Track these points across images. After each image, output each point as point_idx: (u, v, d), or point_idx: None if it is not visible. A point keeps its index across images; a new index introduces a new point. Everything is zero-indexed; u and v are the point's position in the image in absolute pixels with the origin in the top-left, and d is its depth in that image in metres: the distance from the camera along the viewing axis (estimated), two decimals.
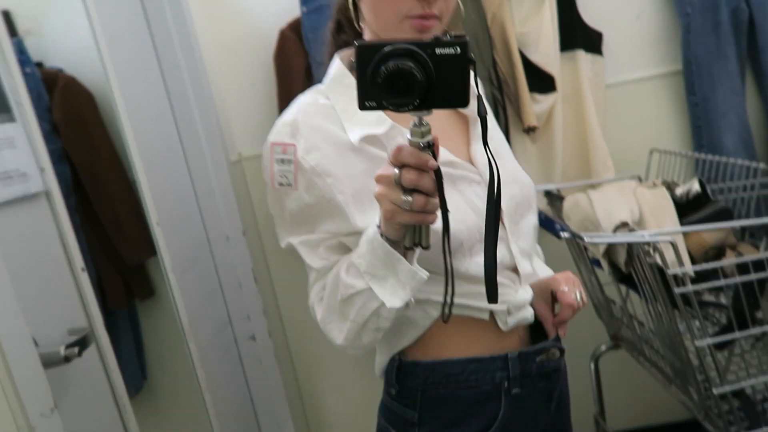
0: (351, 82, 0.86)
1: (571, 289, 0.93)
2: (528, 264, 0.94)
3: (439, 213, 0.71)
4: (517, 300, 0.91)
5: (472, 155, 0.92)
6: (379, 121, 0.85)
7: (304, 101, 0.91)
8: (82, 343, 1.00)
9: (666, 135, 1.96)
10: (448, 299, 0.75)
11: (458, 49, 0.63)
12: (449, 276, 0.74)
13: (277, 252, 2.17)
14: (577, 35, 1.85)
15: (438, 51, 0.63)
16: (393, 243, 0.74)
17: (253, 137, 2.06)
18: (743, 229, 1.32)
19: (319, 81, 1.87)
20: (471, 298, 0.88)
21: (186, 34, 1.76)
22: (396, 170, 0.67)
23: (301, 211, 0.87)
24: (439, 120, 0.88)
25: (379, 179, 0.70)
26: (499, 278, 0.81)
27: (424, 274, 0.76)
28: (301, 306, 2.17)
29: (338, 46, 0.98)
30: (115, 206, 1.98)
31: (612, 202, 1.31)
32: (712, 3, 1.80)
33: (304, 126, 0.86)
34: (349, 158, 0.85)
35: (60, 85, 1.91)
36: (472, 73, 0.68)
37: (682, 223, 1.30)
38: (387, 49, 0.62)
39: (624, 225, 1.23)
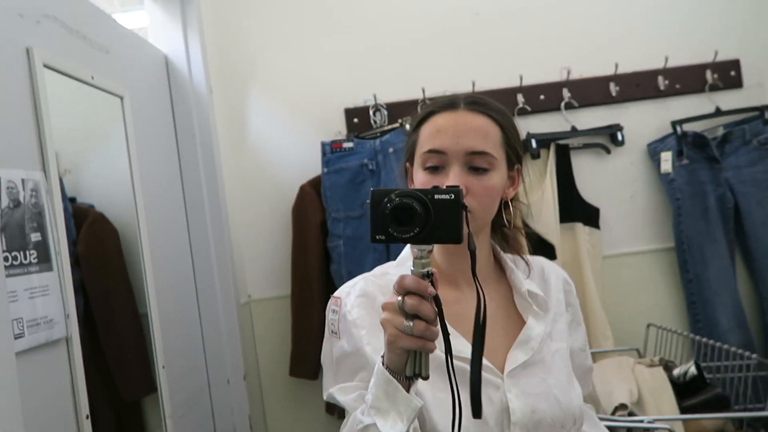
0: (408, 266, 0.95)
1: None
2: None
3: (438, 341, 0.76)
4: None
5: (507, 358, 0.93)
6: None
7: (373, 271, 1.02)
8: None
9: (663, 307, 2.03)
10: (456, 422, 0.78)
11: (452, 195, 0.75)
12: (456, 398, 0.77)
13: (275, 397, 2.16)
14: (576, 209, 2.00)
15: (436, 196, 0.74)
16: (394, 373, 0.78)
17: (264, 281, 2.14)
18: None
19: (334, 235, 1.97)
20: None
21: (214, 182, 1.90)
22: (399, 298, 0.74)
23: (342, 358, 0.94)
24: (495, 325, 0.93)
25: (385, 306, 0.76)
26: None
27: (418, 402, 0.79)
28: None
29: None
30: (121, 340, 2.00)
31: (611, 382, 1.34)
32: (700, 190, 1.96)
33: (360, 289, 0.95)
34: None
35: (89, 221, 2.02)
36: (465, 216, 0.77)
37: (680, 406, 1.32)
38: (395, 192, 0.74)
39: (623, 407, 1.25)
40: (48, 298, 1.12)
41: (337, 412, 2.05)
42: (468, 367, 0.87)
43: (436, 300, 0.75)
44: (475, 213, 0.90)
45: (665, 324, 1.80)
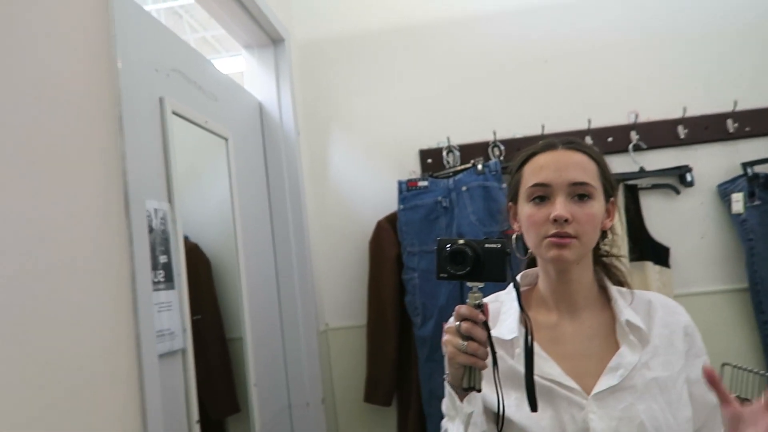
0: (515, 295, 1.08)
1: None
2: None
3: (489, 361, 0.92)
4: None
5: (598, 382, 0.99)
6: (511, 331, 1.02)
7: (489, 297, 1.12)
8: None
9: (737, 347, 2.01)
10: (501, 417, 0.95)
11: (500, 245, 0.92)
12: (500, 401, 0.94)
13: (349, 422, 2.25)
14: (646, 248, 2.04)
15: (486, 245, 0.93)
16: (453, 386, 0.96)
17: (341, 311, 2.27)
18: None
19: (409, 268, 2.08)
20: None
21: (299, 217, 2.07)
22: (457, 323, 0.91)
23: None
24: (590, 350, 1.02)
25: (446, 330, 0.93)
26: None
27: (468, 409, 0.95)
28: None
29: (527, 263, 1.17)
30: (210, 362, 2.16)
31: None
32: None
33: None
34: None
35: (186, 251, 2.23)
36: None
37: None
38: (454, 240, 0.93)
39: None
40: (171, 313, 1.28)
41: None
42: (553, 386, 0.98)
43: (486, 325, 0.91)
44: (580, 238, 0.99)
45: (740, 363, 1.80)
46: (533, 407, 0.92)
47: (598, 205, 1.01)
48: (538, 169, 1.03)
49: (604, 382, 0.99)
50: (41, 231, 0.94)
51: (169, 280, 1.30)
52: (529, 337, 0.94)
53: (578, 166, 1.02)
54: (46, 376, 0.93)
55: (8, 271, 0.89)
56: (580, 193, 1.00)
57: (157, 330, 1.22)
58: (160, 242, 1.28)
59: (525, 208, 1.04)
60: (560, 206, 0.98)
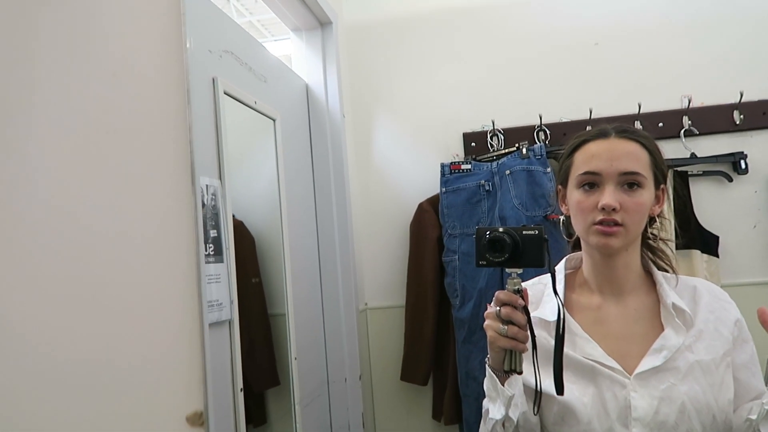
0: (561, 277, 1.13)
1: None
2: None
3: (529, 344, 0.95)
4: None
5: (641, 362, 1.01)
6: (553, 313, 1.03)
7: (532, 279, 1.17)
8: None
9: None
10: (538, 399, 0.98)
11: (537, 231, 0.94)
12: (538, 386, 0.97)
13: (385, 399, 2.30)
14: (694, 236, 1.99)
15: (524, 232, 0.95)
16: (495, 370, 0.99)
17: (381, 291, 2.30)
18: None
19: (450, 250, 2.09)
20: None
21: (343, 198, 2.10)
22: (497, 308, 0.94)
23: None
24: (635, 332, 1.05)
25: (487, 315, 0.96)
26: None
27: (510, 392, 0.98)
28: None
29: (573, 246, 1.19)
30: (253, 336, 2.23)
31: None
32: None
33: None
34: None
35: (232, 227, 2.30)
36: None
37: None
38: (492, 228, 0.96)
39: None
40: (220, 285, 1.34)
41: (443, 418, 2.15)
42: (596, 365, 1.01)
43: (525, 310, 0.94)
44: (627, 227, 1.01)
45: None
46: (560, 391, 0.96)
47: (647, 194, 1.03)
48: (589, 157, 1.05)
49: (647, 363, 1.01)
50: (119, 203, 1.02)
51: (218, 254, 1.35)
52: (561, 325, 0.97)
53: (630, 156, 1.03)
54: (118, 336, 1.01)
55: (88, 241, 0.96)
56: (629, 182, 1.02)
57: (208, 301, 1.27)
58: (210, 217, 1.33)
59: (574, 194, 1.06)
60: (609, 195, 1.00)
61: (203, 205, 1.29)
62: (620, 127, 1.08)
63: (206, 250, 1.29)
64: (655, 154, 1.05)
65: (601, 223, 1.01)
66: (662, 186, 1.08)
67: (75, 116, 1.05)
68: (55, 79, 1.06)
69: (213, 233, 1.34)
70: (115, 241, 1.02)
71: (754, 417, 0.95)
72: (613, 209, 1.00)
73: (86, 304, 1.02)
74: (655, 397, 0.98)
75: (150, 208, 1.04)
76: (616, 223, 1.00)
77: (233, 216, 2.49)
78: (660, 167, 1.06)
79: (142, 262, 1.03)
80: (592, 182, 1.04)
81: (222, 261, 1.36)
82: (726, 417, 1.00)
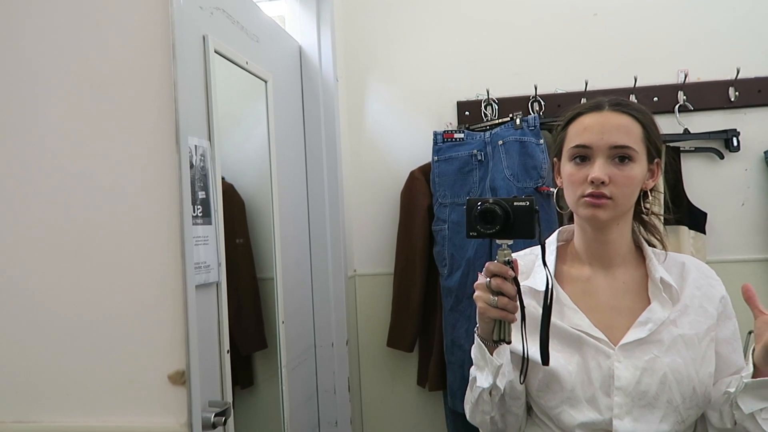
0: (553, 249, 1.14)
1: None
2: None
3: (518, 315, 0.96)
4: None
5: (627, 334, 1.03)
6: (543, 282, 1.04)
7: (524, 250, 1.19)
8: (225, 414, 1.19)
9: None
10: (524, 368, 1.00)
11: (528, 203, 0.94)
12: (525, 348, 0.98)
13: (371, 364, 2.33)
14: (683, 212, 2.00)
15: (515, 203, 0.95)
16: (483, 339, 1.00)
17: (370, 258, 2.31)
18: None
19: (440, 219, 2.09)
20: None
21: (334, 163, 2.08)
22: (487, 279, 0.94)
23: None
24: (622, 304, 1.07)
25: (477, 286, 0.96)
26: None
27: (498, 361, 1.00)
28: (383, 419, 2.27)
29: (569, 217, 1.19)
30: (241, 299, 2.24)
31: None
32: None
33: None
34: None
35: (222, 190, 2.28)
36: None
37: None
38: (483, 199, 0.96)
39: None
40: (208, 247, 1.33)
41: (427, 384, 2.18)
42: (582, 335, 1.03)
43: (516, 281, 0.94)
44: (616, 200, 1.02)
45: None
46: (545, 361, 0.98)
47: (638, 167, 1.03)
48: (581, 130, 1.05)
49: (632, 335, 1.03)
50: (101, 155, 1.02)
51: (206, 215, 1.34)
52: (549, 299, 0.98)
53: (621, 129, 1.03)
54: (100, 291, 1.01)
55: (71, 192, 0.96)
56: (620, 156, 1.02)
57: (195, 262, 1.27)
58: (199, 178, 1.32)
59: (567, 167, 1.07)
60: (598, 168, 1.01)
61: (191, 165, 1.27)
62: (615, 100, 1.07)
63: (194, 212, 1.28)
64: (648, 128, 1.05)
65: (590, 195, 1.02)
66: (656, 160, 1.08)
67: (57, 67, 1.04)
68: (37, 28, 1.04)
69: (201, 195, 1.33)
70: (97, 194, 1.04)
71: (732, 390, 0.97)
72: (602, 182, 1.01)
73: (68, 258, 1.04)
74: (638, 368, 1.01)
75: (133, 164, 1.03)
76: (605, 196, 1.01)
77: (223, 179, 2.47)
78: (653, 141, 1.06)
79: (123, 218, 1.03)
80: (583, 155, 1.04)
81: (210, 223, 1.36)
82: (706, 389, 1.02)
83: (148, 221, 1.02)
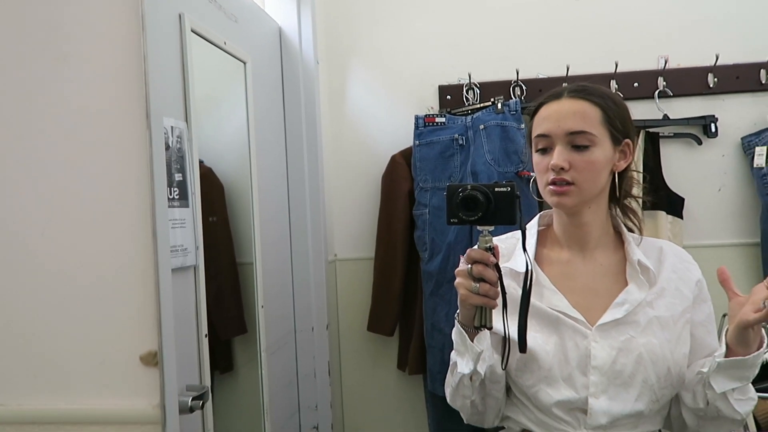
0: (534, 233, 1.15)
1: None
2: (605, 417, 1.02)
3: (500, 300, 0.96)
4: None
5: (604, 315, 1.05)
6: (523, 265, 1.04)
7: (506, 234, 1.19)
8: (203, 398, 1.18)
9: None
10: (506, 355, 1.01)
11: (509, 188, 0.94)
12: (507, 335, 0.99)
13: (352, 349, 2.33)
14: (661, 197, 2.02)
15: (496, 189, 0.94)
16: (464, 326, 1.00)
17: (350, 242, 2.30)
18: None
19: (421, 204, 2.08)
20: (538, 425, 1.07)
21: (314, 146, 2.05)
22: (469, 266, 0.93)
23: None
24: (600, 286, 1.08)
25: (458, 273, 0.96)
26: (561, 415, 1.04)
27: (479, 348, 1.00)
28: (364, 402, 2.28)
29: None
30: (220, 284, 2.22)
31: None
32: None
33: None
34: None
35: (200, 174, 2.25)
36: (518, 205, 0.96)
37: None
38: (465, 186, 0.95)
39: None
40: (185, 230, 1.31)
41: (407, 368, 2.19)
42: (560, 316, 1.04)
43: (497, 268, 0.94)
44: (579, 185, 1.03)
45: None
46: (522, 349, 0.99)
47: (599, 151, 1.04)
48: (541, 120, 1.08)
49: (609, 315, 1.05)
50: (68, 131, 1.00)
51: (183, 198, 1.32)
52: (528, 285, 0.99)
53: (577, 116, 1.04)
54: (68, 272, 0.99)
55: (36, 170, 0.93)
56: (579, 141, 1.03)
57: (171, 245, 1.25)
58: (175, 160, 1.29)
59: (533, 157, 1.10)
60: (557, 156, 1.03)
61: (168, 147, 1.25)
62: (574, 86, 1.09)
63: (171, 194, 1.26)
64: (608, 111, 1.06)
65: (553, 183, 1.04)
66: (626, 141, 1.08)
67: (19, 38, 1.01)
68: None
69: (178, 177, 1.30)
70: (65, 172, 1.02)
71: (705, 370, 0.98)
72: (562, 168, 1.02)
73: (35, 238, 1.02)
74: (614, 348, 1.02)
75: (102, 141, 1.01)
76: (567, 182, 1.03)
77: (202, 162, 2.43)
78: (614, 123, 1.06)
79: (91, 198, 1.02)
80: (545, 144, 1.06)
81: (187, 206, 1.33)
82: (680, 370, 1.04)
83: (119, 201, 1.00)
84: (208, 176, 2.32)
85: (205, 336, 1.39)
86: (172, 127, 1.27)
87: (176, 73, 1.32)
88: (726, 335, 0.97)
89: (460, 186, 0.95)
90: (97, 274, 1.01)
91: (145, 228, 0.99)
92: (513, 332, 1.00)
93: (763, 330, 0.97)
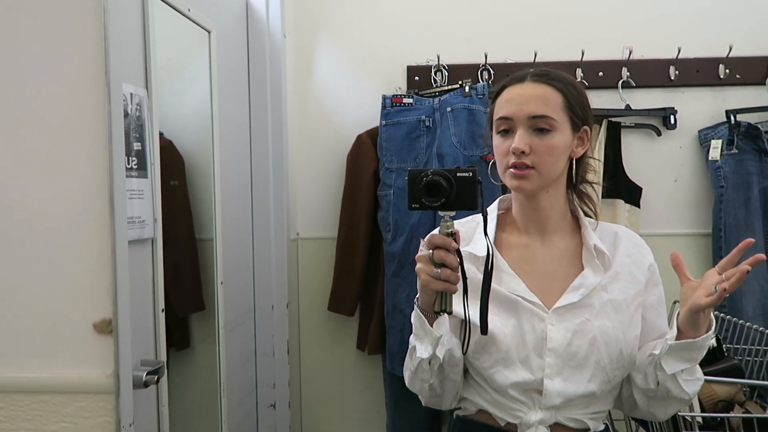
0: (493, 217, 1.15)
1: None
2: (559, 397, 1.04)
3: (460, 285, 0.96)
4: (529, 420, 1.05)
5: (560, 299, 1.06)
6: (483, 250, 1.05)
7: (466, 218, 1.19)
8: (158, 372, 1.15)
9: None
10: (467, 340, 1.04)
11: (471, 173, 0.94)
12: (467, 320, 1.01)
13: (311, 328, 2.32)
14: (620, 186, 2.07)
15: (458, 174, 0.93)
16: (424, 311, 1.00)
17: (313, 221, 2.28)
18: (752, 389, 1.42)
19: (386, 184, 2.08)
20: (494, 405, 1.09)
21: (279, 122, 2.02)
22: (430, 251, 0.93)
23: None
24: (557, 270, 1.09)
25: (419, 258, 0.96)
26: (517, 396, 1.05)
27: (438, 333, 1.00)
28: (322, 381, 2.28)
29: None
30: (178, 260, 2.17)
31: None
32: (745, 180, 2.00)
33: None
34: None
35: (160, 147, 2.18)
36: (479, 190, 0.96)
37: None
38: (427, 171, 0.94)
39: None
40: (143, 201, 1.27)
41: (367, 348, 2.20)
42: (518, 299, 1.05)
43: (459, 253, 0.94)
44: (539, 169, 1.04)
45: None
46: (484, 331, 1.00)
47: (559, 136, 1.05)
48: (503, 103, 1.08)
49: (565, 299, 1.06)
50: (23, 91, 0.94)
51: (141, 168, 1.27)
52: (489, 269, 1.00)
53: (539, 99, 1.05)
54: (19, 235, 0.95)
55: None
56: (540, 125, 1.04)
57: (128, 217, 1.20)
58: (134, 128, 1.25)
59: (494, 139, 1.10)
60: (518, 139, 1.04)
61: (126, 114, 1.20)
62: (537, 71, 1.09)
63: (128, 163, 1.21)
64: (569, 97, 1.06)
65: (514, 166, 1.04)
66: (584, 128, 1.10)
67: None
68: None
69: (137, 146, 1.26)
70: (20, 133, 0.98)
71: (657, 352, 1.01)
72: (522, 152, 1.03)
73: None
74: (569, 330, 1.04)
75: (58, 104, 0.97)
76: (527, 166, 1.04)
77: (162, 135, 2.36)
78: (575, 110, 1.07)
79: (46, 162, 0.98)
80: (506, 127, 1.07)
81: (146, 177, 1.29)
82: (632, 351, 1.07)
83: (75, 167, 0.96)
84: (168, 149, 2.24)
85: (162, 311, 1.36)
86: (131, 93, 1.22)
87: (137, 39, 1.27)
88: (677, 318, 1.00)
89: (422, 171, 0.94)
90: (51, 239, 0.97)
91: (102, 194, 0.95)
92: (473, 316, 1.00)
93: (711, 314, 1.00)
